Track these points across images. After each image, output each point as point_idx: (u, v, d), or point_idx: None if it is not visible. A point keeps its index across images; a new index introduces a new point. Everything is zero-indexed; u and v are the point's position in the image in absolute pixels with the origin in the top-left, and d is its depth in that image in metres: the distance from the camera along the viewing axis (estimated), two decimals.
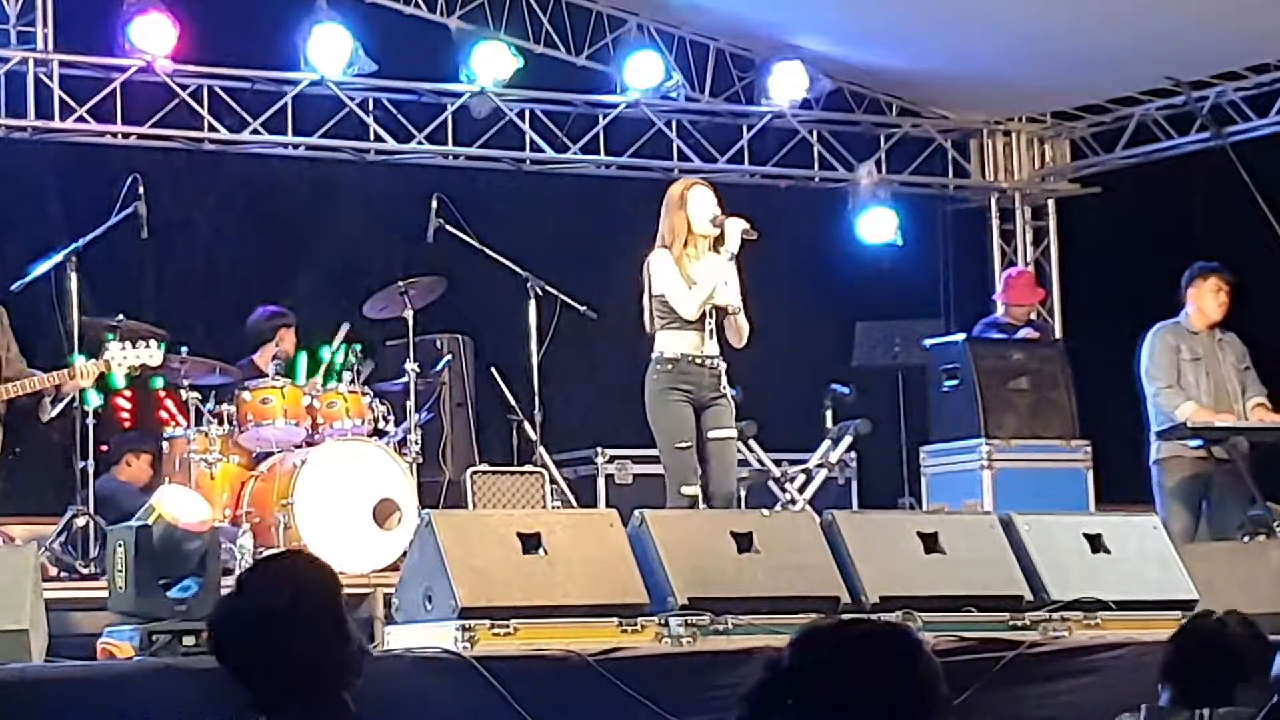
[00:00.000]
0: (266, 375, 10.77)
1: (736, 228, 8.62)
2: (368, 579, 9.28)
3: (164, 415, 10.95)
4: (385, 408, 10.59)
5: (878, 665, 3.00)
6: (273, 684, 3.66)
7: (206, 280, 12.37)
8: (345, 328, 10.87)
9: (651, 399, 8.60)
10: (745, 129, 13.44)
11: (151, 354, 9.60)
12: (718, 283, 8.56)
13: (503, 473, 11.00)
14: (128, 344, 9.56)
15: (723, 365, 8.64)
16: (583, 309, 10.92)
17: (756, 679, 3.02)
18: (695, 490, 8.45)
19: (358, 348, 10.87)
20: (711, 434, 8.56)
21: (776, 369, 12.90)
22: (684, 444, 8.51)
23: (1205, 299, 10.49)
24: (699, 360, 8.57)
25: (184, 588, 7.50)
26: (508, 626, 6.88)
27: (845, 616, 3.16)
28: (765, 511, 8.68)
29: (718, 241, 8.66)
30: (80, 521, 9.63)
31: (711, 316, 8.56)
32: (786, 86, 13.22)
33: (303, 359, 11.76)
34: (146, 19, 11.40)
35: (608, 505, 10.99)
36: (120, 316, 10.31)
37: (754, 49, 13.35)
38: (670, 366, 8.57)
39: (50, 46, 11.61)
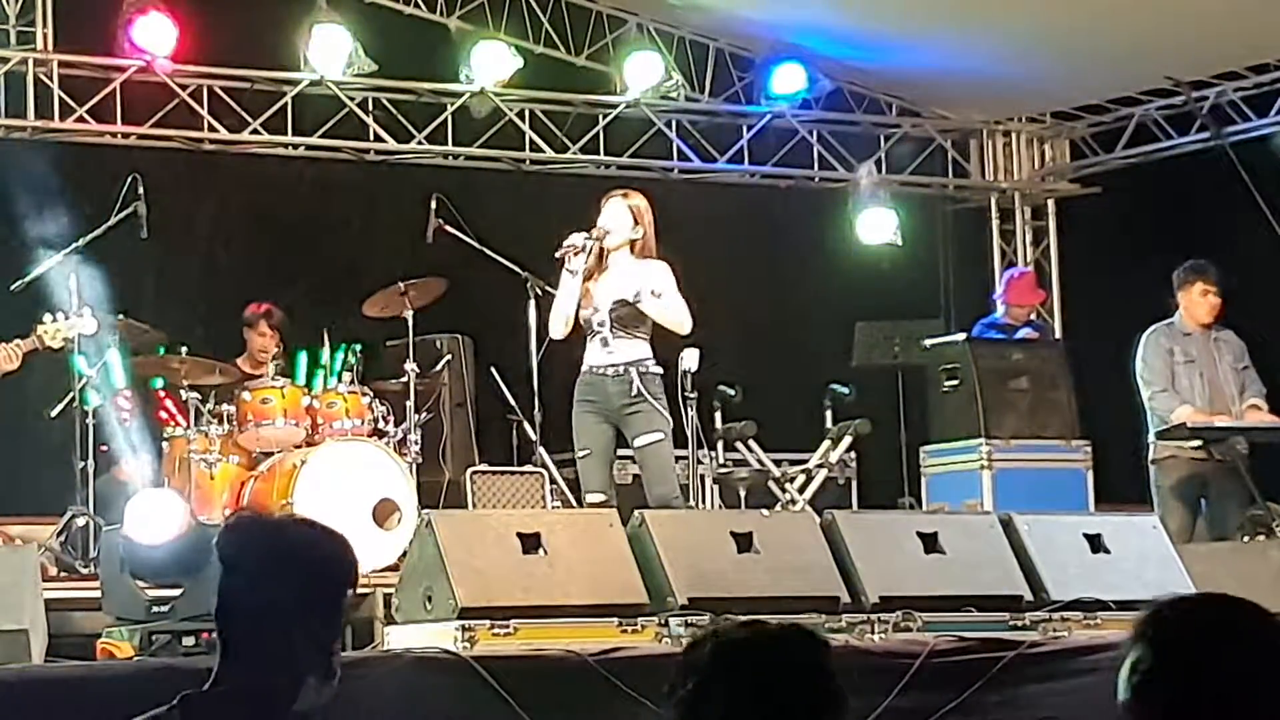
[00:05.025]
0: (262, 372, 10.79)
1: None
2: (367, 579, 9.26)
3: (164, 415, 10.94)
4: (385, 408, 10.60)
5: (793, 665, 3.04)
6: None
7: (206, 280, 12.35)
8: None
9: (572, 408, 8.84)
10: (745, 129, 13.44)
11: (85, 323, 9.57)
12: (597, 295, 8.67)
13: (502, 473, 10.99)
14: (60, 315, 9.54)
15: (636, 372, 8.67)
16: None
17: (686, 684, 3.06)
18: (600, 498, 8.61)
19: (357, 348, 10.88)
20: (636, 442, 8.72)
21: (776, 369, 12.93)
22: (584, 453, 8.72)
23: (1194, 303, 10.47)
24: (601, 371, 8.68)
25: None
26: (508, 626, 6.88)
27: (746, 619, 3.20)
28: (765, 511, 8.69)
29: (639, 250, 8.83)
30: (80, 521, 9.64)
31: (604, 327, 8.64)
32: (786, 86, 13.23)
33: (303, 359, 11.77)
34: (146, 19, 11.41)
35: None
36: (120, 316, 10.31)
37: (754, 49, 13.35)
38: (581, 378, 8.81)
39: (50, 46, 11.62)
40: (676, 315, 8.74)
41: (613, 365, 8.68)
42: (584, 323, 8.78)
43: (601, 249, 8.80)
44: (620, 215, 8.80)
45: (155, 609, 7.48)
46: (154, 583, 7.75)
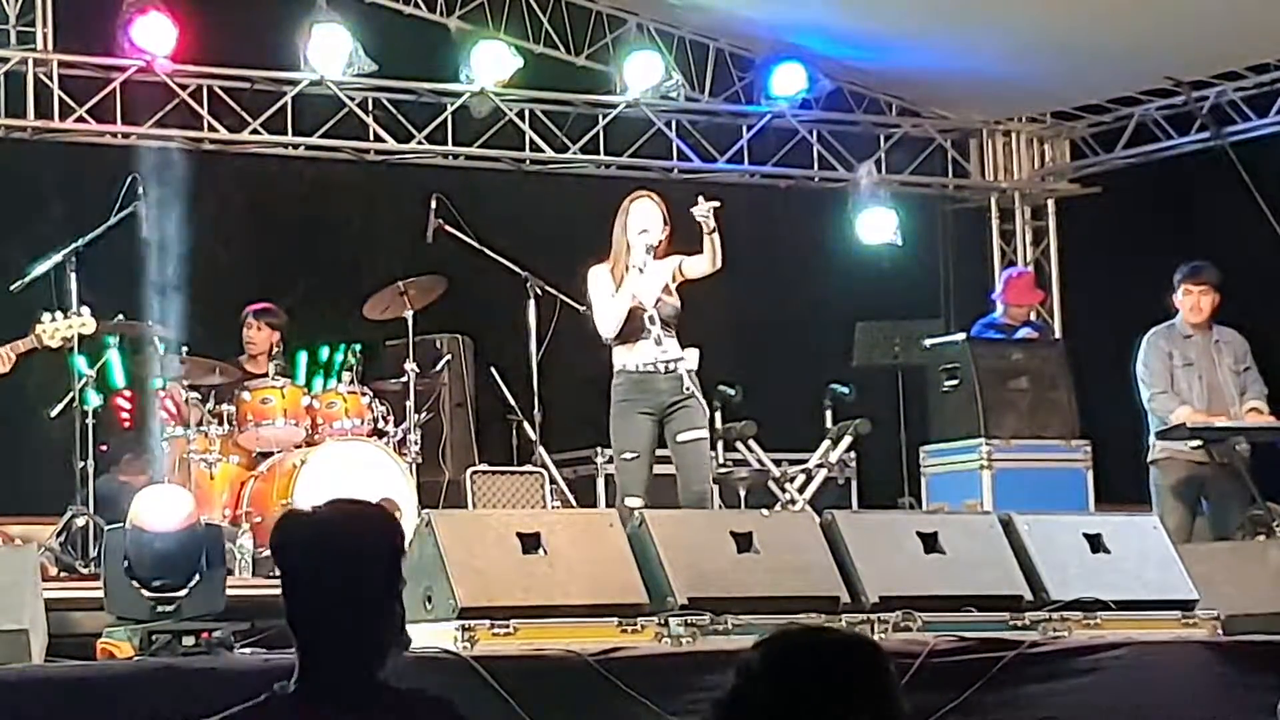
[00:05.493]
0: (263, 371, 10.79)
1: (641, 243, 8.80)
2: None
3: (164, 415, 10.93)
4: (385, 408, 10.60)
5: (848, 675, 3.04)
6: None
7: (206, 280, 12.34)
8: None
9: (611, 410, 8.78)
10: (745, 129, 13.45)
11: (84, 322, 9.58)
12: (643, 294, 8.63)
13: (502, 473, 11.00)
14: (58, 314, 9.54)
15: (685, 366, 8.68)
16: (582, 309, 10.91)
17: (730, 684, 3.06)
18: (639, 502, 8.54)
19: (357, 348, 10.88)
20: (680, 437, 8.67)
21: (776, 369, 12.93)
22: (630, 456, 8.67)
23: (1182, 303, 10.48)
24: (652, 368, 8.66)
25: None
26: (507, 626, 6.87)
27: (812, 624, 3.20)
28: (765, 511, 8.68)
29: (660, 251, 8.83)
30: (80, 521, 9.63)
31: (655, 324, 8.64)
32: (786, 86, 13.23)
33: (303, 359, 11.76)
34: (146, 19, 11.41)
35: (608, 505, 10.99)
36: (120, 316, 10.31)
37: (754, 49, 13.35)
38: (627, 379, 8.74)
39: (50, 46, 11.62)
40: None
41: (665, 362, 8.67)
42: (628, 321, 8.74)
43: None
44: (656, 215, 8.84)
45: (158, 609, 7.47)
46: (156, 575, 7.72)
